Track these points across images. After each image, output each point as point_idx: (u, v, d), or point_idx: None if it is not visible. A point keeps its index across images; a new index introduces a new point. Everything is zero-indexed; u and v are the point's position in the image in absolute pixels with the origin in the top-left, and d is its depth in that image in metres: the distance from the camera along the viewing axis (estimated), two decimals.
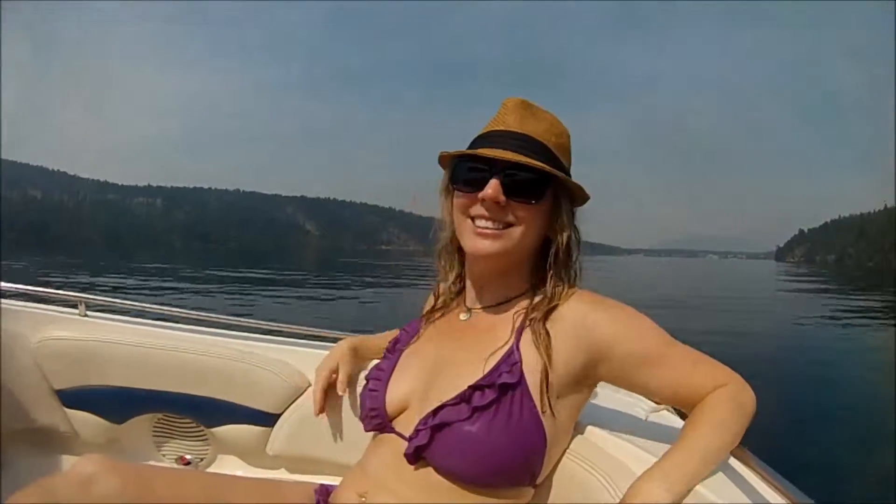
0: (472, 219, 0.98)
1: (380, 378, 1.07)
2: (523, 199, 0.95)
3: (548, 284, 1.01)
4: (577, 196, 1.02)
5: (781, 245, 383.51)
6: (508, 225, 0.97)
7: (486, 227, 0.97)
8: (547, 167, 0.94)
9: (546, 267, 1.01)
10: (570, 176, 1.00)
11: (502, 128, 0.98)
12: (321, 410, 1.36)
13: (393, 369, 1.07)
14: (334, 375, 1.35)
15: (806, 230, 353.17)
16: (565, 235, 0.99)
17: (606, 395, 1.16)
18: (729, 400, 0.89)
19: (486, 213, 0.97)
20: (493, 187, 0.94)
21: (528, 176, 0.95)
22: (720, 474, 0.85)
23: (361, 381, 1.18)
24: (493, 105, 1.03)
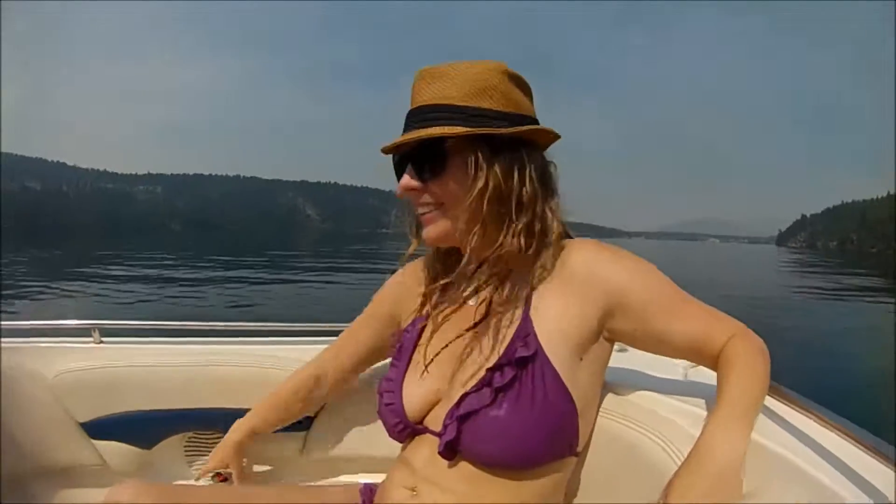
0: (416, 208, 0.98)
1: (392, 389, 1.02)
2: (432, 175, 0.93)
3: (504, 242, 0.93)
4: (508, 136, 0.91)
5: (783, 230, 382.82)
6: (440, 205, 0.94)
7: (424, 213, 0.96)
8: (422, 133, 0.89)
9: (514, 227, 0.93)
10: (498, 114, 0.91)
11: (411, 107, 0.94)
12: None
13: (404, 375, 1.03)
14: (222, 472, 1.31)
15: (808, 215, 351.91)
16: (476, 188, 0.90)
17: (640, 357, 1.13)
18: (751, 346, 0.90)
19: (416, 201, 0.96)
20: (403, 178, 0.94)
21: (426, 151, 0.92)
22: (767, 420, 0.89)
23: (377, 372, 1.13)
24: None
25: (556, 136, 0.97)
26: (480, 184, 0.91)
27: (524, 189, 0.93)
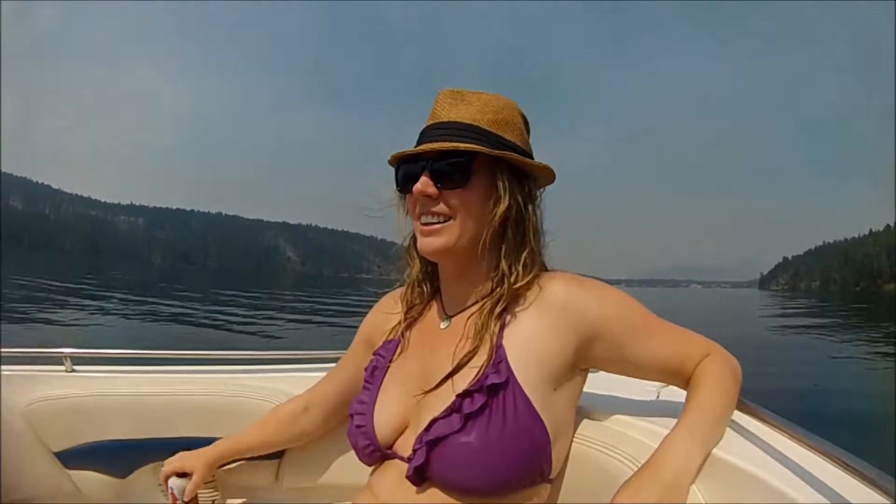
0: (419, 218, 0.98)
1: (364, 412, 1.01)
2: (453, 185, 0.94)
3: (501, 266, 0.97)
4: (526, 168, 0.98)
5: (765, 273, 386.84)
6: (448, 217, 0.95)
7: (429, 223, 0.96)
8: (462, 145, 0.92)
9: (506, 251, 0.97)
10: (518, 148, 0.97)
11: (433, 121, 0.98)
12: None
13: (376, 397, 1.03)
14: (182, 478, 1.26)
15: (790, 257, 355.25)
16: (500, 208, 0.94)
17: (613, 380, 1.14)
18: (722, 365, 0.94)
19: (425, 210, 0.96)
20: (420, 182, 0.94)
21: (454, 161, 0.93)
22: (737, 436, 0.90)
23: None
24: None
25: (554, 179, 1.02)
26: (504, 206, 0.94)
27: (536, 220, 1.00)
